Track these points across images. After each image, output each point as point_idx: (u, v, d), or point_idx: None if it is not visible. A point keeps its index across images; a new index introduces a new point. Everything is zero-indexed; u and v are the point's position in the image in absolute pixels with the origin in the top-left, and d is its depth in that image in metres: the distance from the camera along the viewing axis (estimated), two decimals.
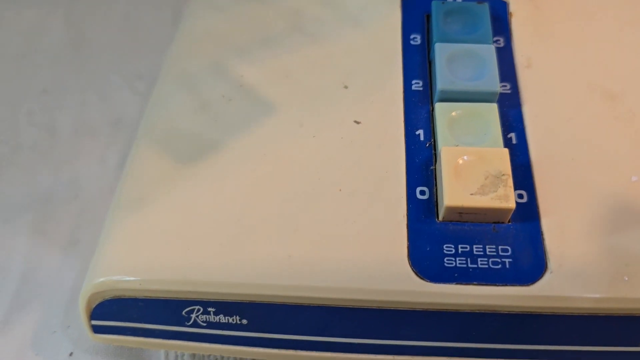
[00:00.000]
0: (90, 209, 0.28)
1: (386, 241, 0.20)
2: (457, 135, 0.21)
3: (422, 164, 0.21)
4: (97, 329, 0.21)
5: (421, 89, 0.23)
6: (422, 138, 0.22)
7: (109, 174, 0.29)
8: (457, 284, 0.19)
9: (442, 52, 0.23)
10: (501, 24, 0.25)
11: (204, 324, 0.20)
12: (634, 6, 0.26)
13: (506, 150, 0.20)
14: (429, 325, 0.19)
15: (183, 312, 0.20)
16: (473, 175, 0.20)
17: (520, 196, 0.20)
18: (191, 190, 0.21)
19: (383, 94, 0.23)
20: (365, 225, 0.20)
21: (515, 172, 0.21)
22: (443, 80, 0.22)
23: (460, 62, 0.23)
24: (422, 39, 0.25)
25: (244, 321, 0.20)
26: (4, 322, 0.25)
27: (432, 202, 0.21)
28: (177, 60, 0.26)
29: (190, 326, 0.20)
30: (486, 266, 0.19)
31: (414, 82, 0.24)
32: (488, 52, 0.23)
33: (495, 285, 0.19)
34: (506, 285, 0.19)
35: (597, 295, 0.19)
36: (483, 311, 0.19)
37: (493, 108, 0.22)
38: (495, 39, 0.25)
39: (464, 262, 0.19)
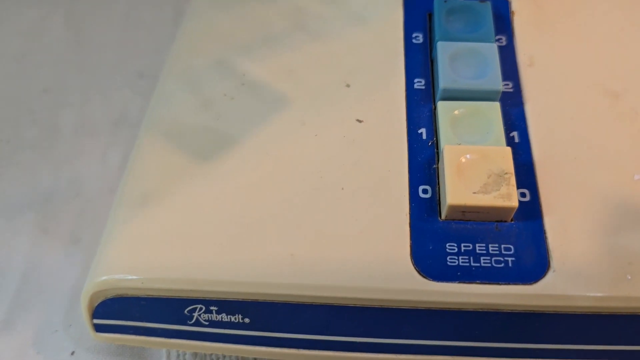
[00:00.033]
0: (91, 208, 0.28)
1: (389, 240, 0.20)
2: (459, 134, 0.21)
3: (424, 162, 0.21)
4: (99, 328, 0.21)
5: (423, 87, 0.23)
6: (424, 137, 0.22)
7: (110, 173, 0.29)
8: (459, 282, 0.19)
9: (444, 50, 0.23)
10: (503, 23, 0.25)
11: (206, 323, 0.20)
12: (637, 4, 0.26)
13: (509, 149, 0.20)
14: (432, 324, 0.19)
15: (185, 311, 0.20)
16: (476, 174, 0.20)
17: (522, 195, 0.20)
18: (193, 188, 0.21)
19: (385, 93, 0.23)
20: (367, 224, 0.20)
21: (518, 171, 0.21)
22: (445, 78, 0.22)
23: (462, 60, 0.23)
24: (424, 37, 0.25)
25: (247, 320, 0.20)
26: (5, 321, 0.25)
27: (435, 201, 0.20)
28: (179, 58, 0.26)
29: (193, 325, 0.20)
30: (489, 265, 0.19)
31: (416, 80, 0.24)
32: (490, 50, 0.23)
33: (498, 284, 0.19)
34: (509, 284, 0.19)
35: (600, 294, 0.19)
36: (486, 310, 0.19)
37: (495, 106, 0.22)
38: (497, 37, 0.25)
39: (467, 260, 0.19)
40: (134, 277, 0.20)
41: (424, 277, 0.19)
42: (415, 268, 0.19)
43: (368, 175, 0.21)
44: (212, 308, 0.20)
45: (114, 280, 0.20)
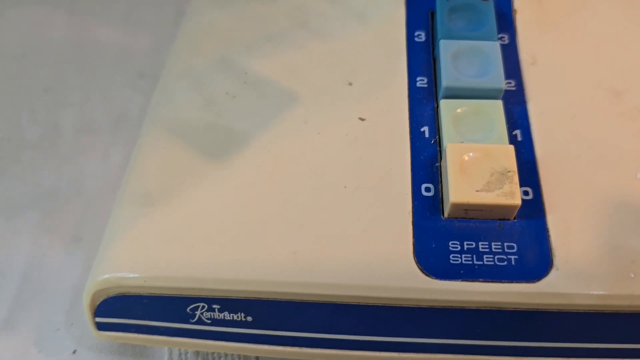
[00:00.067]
0: (93, 206, 0.28)
1: (391, 238, 0.20)
2: (462, 132, 0.21)
3: (427, 160, 0.21)
4: (101, 326, 0.21)
5: (426, 85, 0.23)
6: (427, 135, 0.22)
7: (112, 171, 0.29)
8: (462, 280, 0.19)
9: (446, 48, 0.23)
10: (505, 21, 0.25)
11: (209, 321, 0.20)
12: (639, 3, 0.26)
13: (512, 147, 0.20)
14: (435, 322, 0.19)
15: (188, 309, 0.20)
16: (478, 172, 0.20)
17: (525, 193, 0.20)
18: (195, 187, 0.21)
19: (388, 91, 0.23)
20: (370, 222, 0.20)
21: (521, 169, 0.21)
22: (448, 77, 0.22)
23: (465, 59, 0.23)
24: (427, 36, 0.25)
25: (249, 318, 0.20)
26: (7, 319, 0.25)
27: (438, 199, 0.20)
28: (180, 57, 0.26)
29: (195, 323, 0.20)
30: (492, 263, 0.19)
31: (418, 79, 0.24)
32: (493, 49, 0.23)
33: (501, 282, 0.19)
34: (512, 282, 0.19)
35: (603, 292, 0.19)
36: (489, 308, 0.19)
37: (498, 105, 0.22)
38: (499, 36, 0.25)
39: (470, 259, 0.19)
40: (136, 275, 0.20)
41: (427, 275, 0.19)
42: (418, 266, 0.19)
43: (370, 174, 0.21)
44: (214, 306, 0.20)
45: (116, 278, 0.20)
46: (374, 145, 0.22)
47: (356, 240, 0.20)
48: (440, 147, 0.22)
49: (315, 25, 0.26)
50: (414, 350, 0.20)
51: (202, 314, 0.20)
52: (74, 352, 0.24)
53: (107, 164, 0.30)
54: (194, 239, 0.20)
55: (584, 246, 0.19)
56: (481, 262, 0.19)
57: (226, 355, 0.23)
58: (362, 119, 0.22)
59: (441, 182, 0.21)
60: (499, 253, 0.19)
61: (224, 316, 0.20)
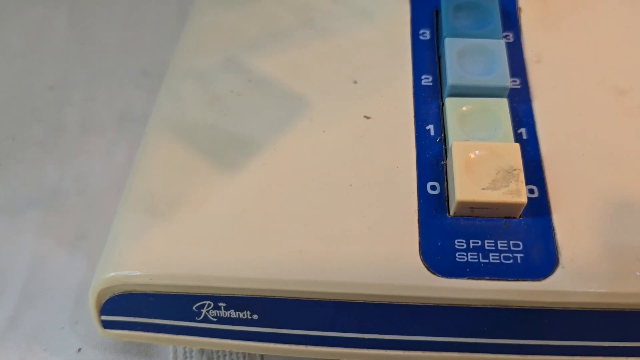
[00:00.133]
0: (97, 204, 0.28)
1: (397, 236, 0.20)
2: (467, 130, 0.21)
3: (432, 159, 0.21)
4: (107, 324, 0.21)
5: (431, 84, 0.23)
6: (432, 133, 0.22)
7: (116, 169, 0.29)
8: (468, 279, 0.19)
9: (451, 47, 0.23)
10: (510, 19, 0.25)
11: (215, 319, 0.20)
12: None
13: (517, 145, 0.20)
14: (441, 320, 0.19)
15: (193, 307, 0.20)
16: (484, 170, 0.20)
17: (531, 191, 0.20)
18: (201, 185, 0.21)
19: (393, 89, 0.23)
20: (376, 221, 0.20)
21: (526, 167, 0.21)
22: (453, 75, 0.22)
23: (470, 57, 0.23)
24: (432, 34, 0.25)
25: (255, 316, 0.20)
26: (12, 317, 0.25)
27: (443, 197, 0.20)
28: (185, 55, 0.26)
29: (201, 321, 0.20)
30: (498, 261, 0.19)
31: (423, 77, 0.24)
32: (498, 47, 0.23)
33: (507, 280, 0.19)
34: (518, 280, 0.19)
35: (609, 291, 0.19)
36: (494, 306, 0.19)
37: (503, 103, 0.22)
38: (504, 34, 0.25)
39: (476, 257, 0.19)
40: (142, 273, 0.20)
41: (433, 273, 0.19)
42: (424, 264, 0.19)
43: (376, 172, 0.21)
44: (220, 304, 0.20)
45: (122, 276, 0.20)
46: (379, 144, 0.22)
47: (362, 239, 0.20)
48: (445, 145, 0.22)
49: (320, 23, 0.26)
50: (419, 348, 0.20)
51: (208, 312, 0.20)
52: (79, 350, 0.24)
53: (111, 162, 0.30)
54: (200, 237, 0.20)
55: (589, 244, 0.19)
56: (487, 260, 0.19)
57: (231, 353, 0.23)
58: (368, 117, 0.22)
59: (447, 180, 0.21)
60: (504, 251, 0.19)
61: (230, 314, 0.20)
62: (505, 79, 0.22)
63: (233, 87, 0.24)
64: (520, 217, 0.20)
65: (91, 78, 0.33)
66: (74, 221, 0.28)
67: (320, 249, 0.19)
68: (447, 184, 0.21)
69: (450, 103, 0.22)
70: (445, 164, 0.21)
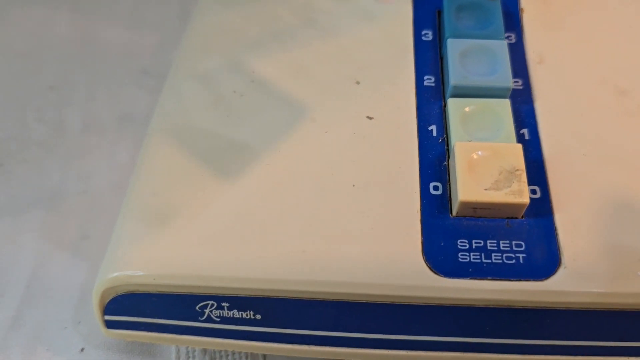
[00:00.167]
0: (99, 205, 0.28)
1: (400, 236, 0.20)
2: (470, 131, 0.21)
3: (435, 159, 0.21)
4: (110, 324, 0.21)
5: (433, 84, 0.23)
6: (434, 134, 0.22)
7: (118, 170, 0.29)
8: (471, 279, 0.19)
9: (454, 47, 0.23)
10: (512, 20, 0.25)
11: (218, 319, 0.20)
12: None
13: (520, 146, 0.20)
14: (443, 320, 0.19)
15: (197, 307, 0.20)
16: (487, 171, 0.20)
17: (533, 192, 0.20)
18: (204, 185, 0.21)
19: (395, 90, 0.23)
20: (379, 221, 0.20)
21: (528, 168, 0.21)
22: (456, 75, 0.22)
23: (472, 57, 0.23)
24: (434, 34, 0.25)
25: (258, 316, 0.20)
26: (15, 317, 0.25)
27: (446, 198, 0.21)
28: (188, 56, 0.26)
29: (204, 321, 0.20)
30: (500, 261, 0.19)
31: (426, 77, 0.24)
32: (500, 47, 0.23)
33: (509, 280, 0.19)
34: (520, 280, 0.19)
35: (611, 291, 0.19)
36: (497, 306, 0.19)
37: (506, 104, 0.22)
38: (506, 34, 0.25)
39: (478, 257, 0.19)
40: (146, 273, 0.20)
41: (436, 273, 0.19)
42: (426, 264, 0.19)
43: (379, 172, 0.21)
44: (223, 304, 0.20)
45: (125, 276, 0.20)
46: (382, 144, 0.22)
47: (365, 239, 0.20)
48: (448, 145, 0.22)
49: (322, 23, 0.26)
50: (422, 348, 0.20)
51: (211, 312, 0.20)
52: (82, 350, 0.24)
53: (113, 162, 0.30)
54: (203, 237, 0.20)
55: (591, 244, 0.19)
56: (489, 261, 0.19)
57: (234, 353, 0.23)
58: (370, 118, 0.22)
59: (449, 180, 0.21)
60: (507, 251, 0.19)
61: (233, 314, 0.20)
62: (507, 80, 0.22)
63: (235, 88, 0.24)
64: (522, 217, 0.20)
65: (92, 78, 0.33)
66: (76, 221, 0.28)
67: (323, 249, 0.19)
68: (449, 185, 0.21)
69: (452, 103, 0.22)
70: (448, 164, 0.21)
